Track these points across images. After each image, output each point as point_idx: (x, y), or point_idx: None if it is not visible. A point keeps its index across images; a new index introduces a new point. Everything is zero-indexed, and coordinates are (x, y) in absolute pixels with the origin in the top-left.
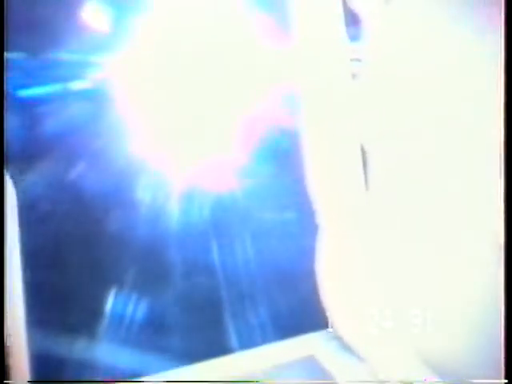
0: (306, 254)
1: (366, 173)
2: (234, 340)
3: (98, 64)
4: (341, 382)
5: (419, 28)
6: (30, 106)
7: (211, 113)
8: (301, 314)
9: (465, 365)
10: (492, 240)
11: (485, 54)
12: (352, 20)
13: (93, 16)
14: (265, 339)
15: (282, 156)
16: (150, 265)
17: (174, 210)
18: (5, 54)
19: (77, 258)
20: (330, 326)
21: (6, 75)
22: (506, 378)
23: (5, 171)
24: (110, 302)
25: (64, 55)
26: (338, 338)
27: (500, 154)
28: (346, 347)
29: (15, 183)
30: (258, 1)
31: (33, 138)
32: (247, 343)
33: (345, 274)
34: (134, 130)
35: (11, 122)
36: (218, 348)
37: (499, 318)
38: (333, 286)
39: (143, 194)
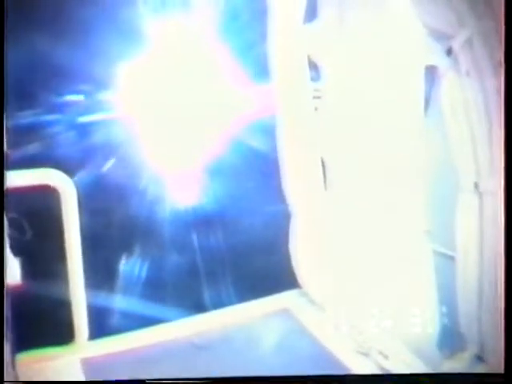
0: (282, 234)
1: (324, 177)
2: (208, 297)
3: (114, 102)
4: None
5: (369, 52)
6: (84, 127)
7: (194, 136)
8: (275, 277)
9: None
10: (417, 228)
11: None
12: (313, 64)
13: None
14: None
15: (253, 161)
16: (150, 240)
17: (167, 203)
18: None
19: (106, 233)
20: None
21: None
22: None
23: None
24: (122, 265)
25: (104, 96)
26: (306, 295)
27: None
28: (312, 301)
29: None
30: (239, 52)
31: (83, 148)
32: (220, 301)
33: (311, 248)
34: (142, 145)
35: (71, 137)
36: (195, 303)
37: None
38: (302, 257)
39: (147, 189)
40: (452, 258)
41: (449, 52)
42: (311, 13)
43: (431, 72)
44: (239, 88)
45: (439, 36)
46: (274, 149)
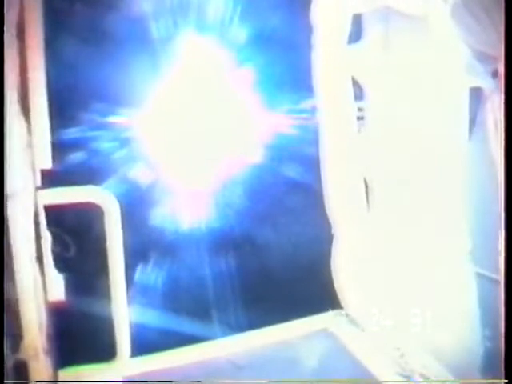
0: (322, 256)
1: (367, 198)
2: (251, 317)
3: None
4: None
5: (413, 75)
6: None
7: (208, 154)
8: (317, 298)
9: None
10: (460, 250)
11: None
12: (357, 83)
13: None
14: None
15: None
16: (164, 255)
17: (181, 221)
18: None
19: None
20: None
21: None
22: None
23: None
24: (138, 274)
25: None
26: (346, 315)
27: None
28: (352, 322)
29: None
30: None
31: (120, 157)
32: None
33: (353, 269)
34: (166, 162)
35: (111, 148)
36: (238, 323)
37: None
38: (344, 278)
39: (161, 207)
40: (496, 281)
41: (494, 74)
42: (356, 34)
43: (476, 94)
44: (258, 112)
45: (484, 58)
46: (309, 173)
